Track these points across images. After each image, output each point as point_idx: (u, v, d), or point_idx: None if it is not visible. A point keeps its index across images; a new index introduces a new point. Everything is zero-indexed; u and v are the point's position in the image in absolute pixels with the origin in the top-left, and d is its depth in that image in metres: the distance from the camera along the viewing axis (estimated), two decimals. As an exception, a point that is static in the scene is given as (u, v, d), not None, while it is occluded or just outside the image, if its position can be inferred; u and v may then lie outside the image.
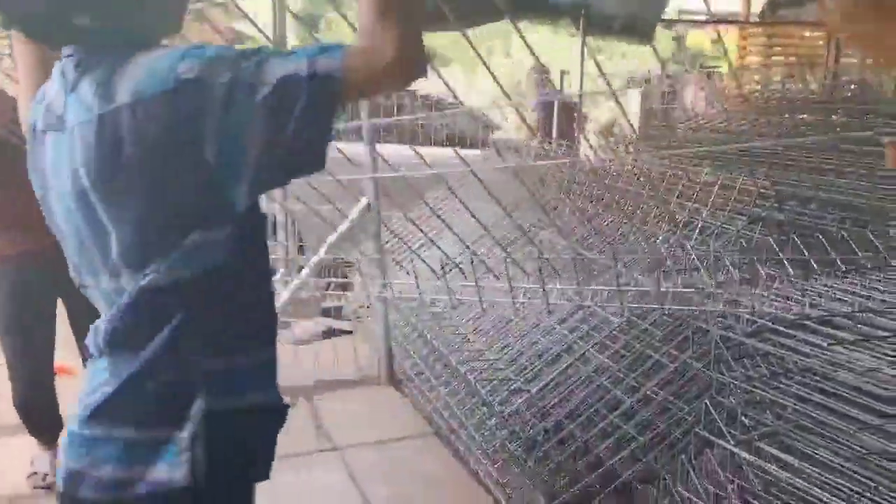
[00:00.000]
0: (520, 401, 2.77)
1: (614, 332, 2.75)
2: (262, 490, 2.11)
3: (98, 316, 1.16)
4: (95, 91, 1.03)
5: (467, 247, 3.27)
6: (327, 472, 1.96)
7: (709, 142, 4.41)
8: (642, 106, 8.23)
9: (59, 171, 1.09)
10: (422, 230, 3.68)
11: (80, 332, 2.76)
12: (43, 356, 2.77)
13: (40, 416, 2.81)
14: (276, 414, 1.18)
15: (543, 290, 2.86)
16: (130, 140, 1.00)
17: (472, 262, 3.66)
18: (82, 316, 2.50)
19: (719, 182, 2.88)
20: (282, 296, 4.06)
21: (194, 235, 1.04)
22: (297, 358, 3.94)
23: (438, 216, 3.59)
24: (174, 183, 1.02)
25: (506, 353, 3.05)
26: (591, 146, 5.24)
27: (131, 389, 1.08)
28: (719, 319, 2.38)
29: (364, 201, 3.70)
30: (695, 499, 2.46)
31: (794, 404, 2.14)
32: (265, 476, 1.18)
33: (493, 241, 3.32)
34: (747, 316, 2.21)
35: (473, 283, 3.27)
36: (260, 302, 1.17)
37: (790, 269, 2.40)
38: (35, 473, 2.84)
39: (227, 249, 1.07)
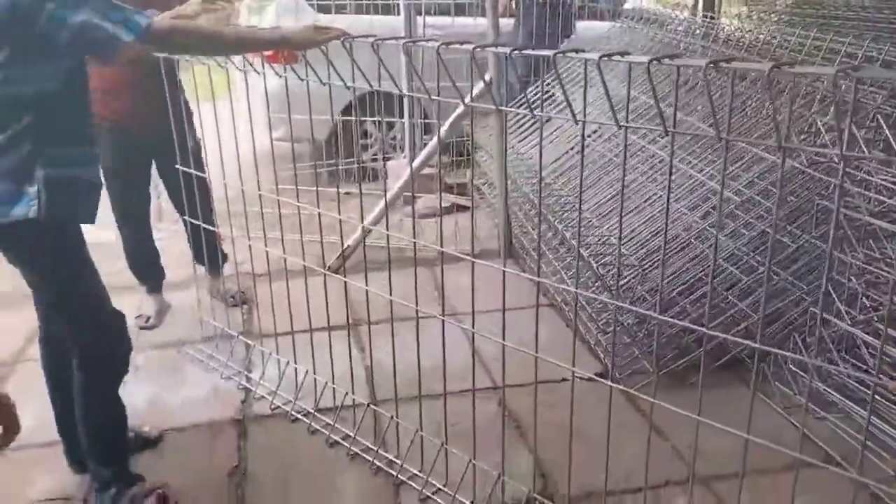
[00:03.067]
0: (632, 276, 2.81)
1: (735, 211, 2.71)
2: (382, 347, 2.30)
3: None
4: None
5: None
6: (445, 333, 2.12)
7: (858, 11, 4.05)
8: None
9: None
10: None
11: (170, 186, 3.18)
12: (140, 205, 3.24)
13: (143, 264, 3.31)
14: (93, 185, 1.97)
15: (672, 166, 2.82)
16: None
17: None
18: (171, 172, 2.93)
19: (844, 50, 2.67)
20: (405, 172, 4.22)
21: (37, 63, 1.78)
22: (420, 231, 4.13)
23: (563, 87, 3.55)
24: (23, 22, 1.72)
25: (609, 222, 3.08)
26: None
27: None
28: (846, 199, 2.29)
29: (485, 78, 3.70)
30: (804, 375, 2.47)
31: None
32: (90, 221, 1.96)
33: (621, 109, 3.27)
34: (874, 195, 2.12)
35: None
36: (82, 116, 1.94)
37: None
38: (140, 315, 3.32)
39: (58, 78, 1.82)
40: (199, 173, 2.83)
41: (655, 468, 2.28)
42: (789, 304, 2.61)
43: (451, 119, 4.07)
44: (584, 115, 1.65)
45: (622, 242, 3.01)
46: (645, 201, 3.16)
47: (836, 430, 2.33)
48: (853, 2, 4.35)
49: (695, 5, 5.43)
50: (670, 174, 1.57)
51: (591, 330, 2.97)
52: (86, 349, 2.05)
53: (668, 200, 1.59)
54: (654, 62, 1.41)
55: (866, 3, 4.19)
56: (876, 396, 2.24)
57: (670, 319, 2.03)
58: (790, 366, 2.53)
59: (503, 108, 1.94)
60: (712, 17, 4.84)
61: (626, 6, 5.82)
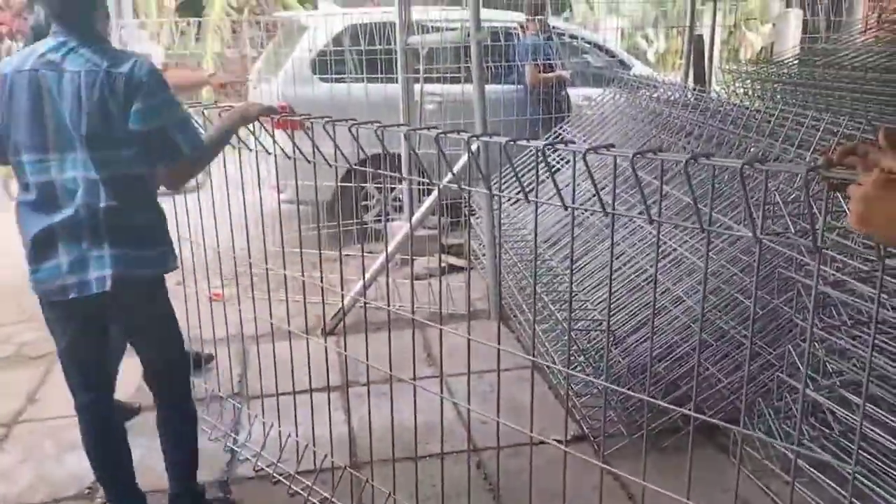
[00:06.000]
0: (613, 346, 2.89)
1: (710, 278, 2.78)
2: (365, 409, 2.37)
3: None
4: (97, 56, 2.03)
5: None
6: (431, 394, 2.20)
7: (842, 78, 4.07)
8: (807, 25, 7.52)
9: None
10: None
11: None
12: None
13: None
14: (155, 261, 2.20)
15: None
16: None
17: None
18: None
19: (822, 126, 2.77)
20: (401, 232, 4.35)
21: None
22: (414, 292, 4.22)
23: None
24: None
25: (597, 293, 3.16)
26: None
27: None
28: (806, 267, 2.37)
29: (476, 143, 3.85)
30: (772, 441, 2.51)
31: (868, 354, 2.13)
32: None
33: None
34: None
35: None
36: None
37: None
38: None
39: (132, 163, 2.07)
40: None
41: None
42: (758, 368, 2.67)
43: (424, 206, 4.23)
44: (574, 201, 1.76)
45: (596, 307, 3.10)
46: (634, 272, 3.20)
47: (805, 494, 2.37)
48: (855, 74, 4.28)
49: (685, 74, 5.52)
50: (657, 262, 1.65)
51: (568, 393, 3.03)
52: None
53: (654, 288, 1.66)
54: (638, 156, 1.47)
55: (868, 76, 4.09)
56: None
57: (659, 402, 2.01)
58: (758, 432, 2.58)
59: (496, 192, 2.00)
60: (702, 90, 4.91)
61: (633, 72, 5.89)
